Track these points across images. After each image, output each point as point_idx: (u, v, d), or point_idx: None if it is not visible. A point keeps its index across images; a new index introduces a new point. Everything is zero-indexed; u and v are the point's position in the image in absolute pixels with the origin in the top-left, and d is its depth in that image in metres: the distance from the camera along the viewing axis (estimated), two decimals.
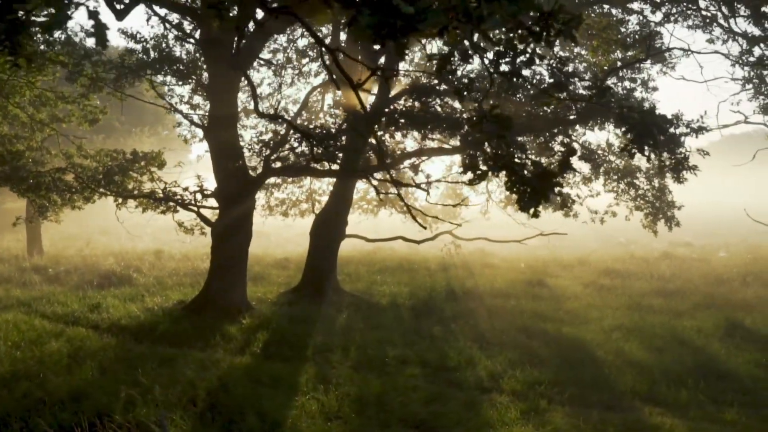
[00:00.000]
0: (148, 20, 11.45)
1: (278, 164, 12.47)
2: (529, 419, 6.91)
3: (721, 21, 11.96)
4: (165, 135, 47.47)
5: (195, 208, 12.72)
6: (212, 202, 12.89)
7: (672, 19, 14.52)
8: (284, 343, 10.23)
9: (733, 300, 13.70)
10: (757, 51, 11.52)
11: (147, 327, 11.20)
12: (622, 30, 15.97)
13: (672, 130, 8.78)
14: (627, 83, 16.86)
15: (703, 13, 12.02)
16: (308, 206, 19.22)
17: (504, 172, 3.33)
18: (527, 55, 4.01)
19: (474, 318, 12.31)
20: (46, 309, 12.48)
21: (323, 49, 3.98)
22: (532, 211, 3.42)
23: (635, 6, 14.72)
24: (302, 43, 18.26)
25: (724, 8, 11.52)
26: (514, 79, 4.01)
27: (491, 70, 3.46)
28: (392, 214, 22.02)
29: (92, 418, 6.22)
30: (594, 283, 16.75)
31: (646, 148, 4.79)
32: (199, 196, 12.66)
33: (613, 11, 15.54)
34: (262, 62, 17.92)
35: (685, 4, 12.17)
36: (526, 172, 3.31)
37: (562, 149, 13.54)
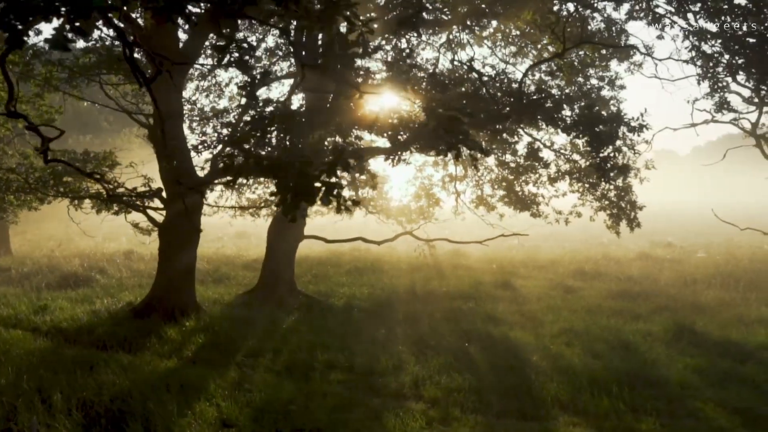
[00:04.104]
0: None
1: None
2: (434, 429, 6.68)
3: (675, 17, 11.65)
4: None
5: (141, 209, 12.54)
6: (160, 203, 12.70)
7: (635, 15, 14.25)
8: (218, 346, 10.04)
9: (693, 302, 13.38)
10: (711, 49, 11.18)
11: (86, 330, 11.04)
12: (589, 28, 15.72)
13: (603, 128, 8.47)
14: (594, 81, 16.65)
15: (656, 10, 11.70)
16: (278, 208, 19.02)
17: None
18: (360, 48, 3.80)
19: (423, 321, 12.06)
20: None
21: (124, 42, 3.80)
22: (290, 216, 3.19)
23: (598, 5, 14.45)
24: (272, 42, 18.11)
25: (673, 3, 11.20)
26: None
27: (302, 63, 3.22)
28: (367, 214, 21.82)
29: None
30: (561, 285, 16.46)
31: (459, 146, 4.54)
32: (146, 196, 12.46)
33: (580, 9, 15.31)
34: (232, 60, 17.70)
35: None
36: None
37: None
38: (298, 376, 8.58)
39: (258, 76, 3.71)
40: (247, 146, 3.44)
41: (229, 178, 3.37)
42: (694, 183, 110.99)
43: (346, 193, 20.79)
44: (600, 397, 7.65)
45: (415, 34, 4.23)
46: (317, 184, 3.09)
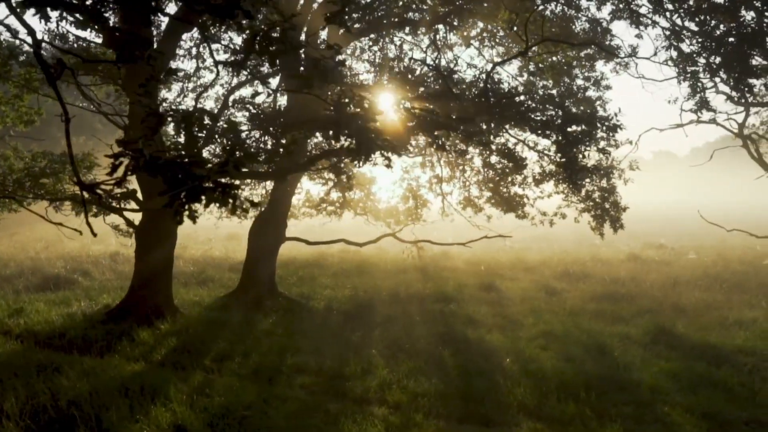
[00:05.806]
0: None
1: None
2: None
3: (655, 16, 11.49)
4: None
5: (118, 211, 12.42)
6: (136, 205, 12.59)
7: (618, 15, 14.12)
8: (188, 349, 9.91)
9: (676, 305, 13.21)
10: (689, 48, 11.04)
11: (58, 333, 10.92)
12: (574, 28, 15.60)
13: (575, 128, 8.33)
14: (580, 81, 16.51)
15: (638, 10, 11.54)
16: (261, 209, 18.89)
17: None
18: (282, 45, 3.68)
19: (400, 323, 11.93)
20: None
21: (33, 39, 3.68)
22: (178, 218, 3.08)
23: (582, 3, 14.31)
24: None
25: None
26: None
27: (217, 62, 3.11)
28: (355, 216, 21.67)
29: None
30: (546, 287, 16.30)
31: (363, 157, 4.38)
32: (122, 198, 12.34)
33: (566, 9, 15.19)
34: (221, 63, 17.76)
35: None
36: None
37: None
38: (263, 380, 8.44)
39: (162, 73, 3.57)
40: (139, 146, 3.33)
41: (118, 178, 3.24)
42: (692, 184, 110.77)
43: (334, 194, 20.78)
44: (566, 402, 7.50)
45: (345, 29, 4.07)
46: (209, 185, 2.97)
